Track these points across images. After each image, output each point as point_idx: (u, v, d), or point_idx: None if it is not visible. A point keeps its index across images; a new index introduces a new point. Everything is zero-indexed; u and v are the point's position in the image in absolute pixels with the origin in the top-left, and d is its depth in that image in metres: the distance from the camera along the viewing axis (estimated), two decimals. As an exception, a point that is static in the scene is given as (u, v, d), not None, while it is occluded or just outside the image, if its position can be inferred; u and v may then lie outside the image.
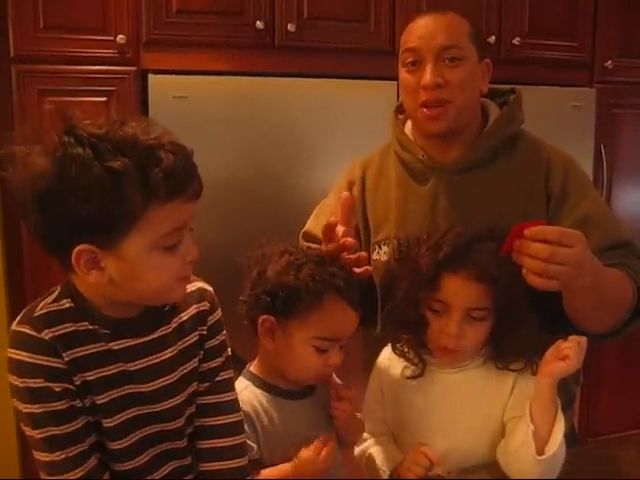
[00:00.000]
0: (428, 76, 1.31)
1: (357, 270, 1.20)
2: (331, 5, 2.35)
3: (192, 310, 1.05)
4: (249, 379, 1.19)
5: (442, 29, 1.34)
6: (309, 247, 1.40)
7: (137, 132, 0.88)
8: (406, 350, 1.27)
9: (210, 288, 1.09)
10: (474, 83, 1.37)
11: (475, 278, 1.16)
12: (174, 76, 2.22)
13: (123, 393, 0.98)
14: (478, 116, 1.43)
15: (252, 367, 1.21)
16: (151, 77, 2.21)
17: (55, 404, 0.92)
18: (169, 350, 1.02)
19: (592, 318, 1.25)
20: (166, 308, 1.03)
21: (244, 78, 2.29)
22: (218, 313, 1.09)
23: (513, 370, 1.22)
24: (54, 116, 0.88)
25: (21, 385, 0.91)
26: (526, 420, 1.11)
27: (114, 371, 0.97)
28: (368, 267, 1.23)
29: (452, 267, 1.17)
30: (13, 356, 0.92)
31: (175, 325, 1.03)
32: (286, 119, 2.32)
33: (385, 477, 1.22)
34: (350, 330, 1.17)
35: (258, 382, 1.18)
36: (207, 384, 1.08)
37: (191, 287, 1.05)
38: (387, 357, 1.32)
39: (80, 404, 0.95)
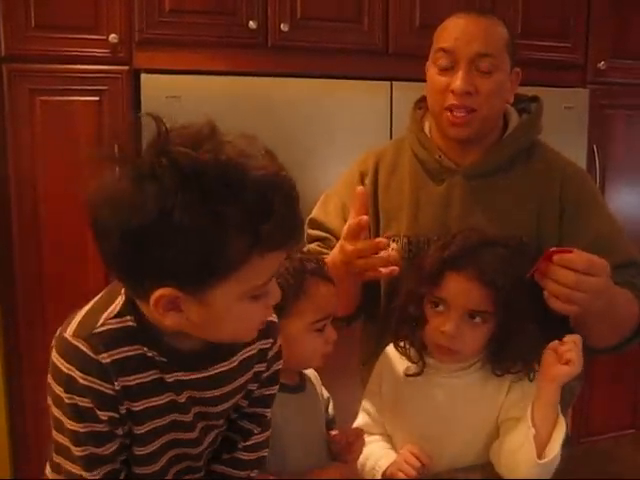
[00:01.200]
0: (459, 82, 1.30)
1: (384, 270, 1.19)
2: (324, 5, 2.35)
3: (256, 347, 0.99)
4: None
5: (480, 34, 1.31)
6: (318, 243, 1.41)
7: (244, 162, 0.77)
8: (407, 347, 1.27)
9: (276, 318, 1.03)
10: (502, 93, 1.36)
11: (477, 280, 1.15)
12: (167, 76, 2.21)
13: (165, 422, 0.93)
14: (499, 123, 1.42)
15: None
16: (144, 77, 2.20)
17: (98, 425, 0.87)
18: (223, 387, 0.96)
19: (598, 335, 1.26)
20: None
21: (237, 78, 2.28)
22: (277, 345, 1.04)
23: (512, 373, 1.21)
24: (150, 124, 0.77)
25: (67, 400, 0.86)
26: (527, 423, 1.10)
27: (162, 402, 0.91)
28: (395, 268, 1.19)
29: (456, 266, 1.16)
30: (64, 369, 0.85)
31: (236, 363, 0.96)
32: (279, 119, 2.31)
33: (378, 477, 1.22)
34: (335, 302, 1.19)
35: None
36: (260, 409, 1.06)
37: None
38: (389, 357, 1.32)
39: (121, 432, 0.90)
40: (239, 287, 0.81)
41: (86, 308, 0.90)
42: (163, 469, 0.98)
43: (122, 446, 0.91)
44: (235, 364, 0.96)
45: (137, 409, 0.89)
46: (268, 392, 1.06)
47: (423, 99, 1.47)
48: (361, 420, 1.33)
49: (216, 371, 0.94)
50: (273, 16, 2.29)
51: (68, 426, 0.87)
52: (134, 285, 0.83)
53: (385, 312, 1.40)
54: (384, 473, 1.21)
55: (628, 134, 2.83)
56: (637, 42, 2.78)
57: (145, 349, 0.88)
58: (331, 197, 1.50)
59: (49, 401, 0.90)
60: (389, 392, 1.29)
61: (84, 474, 0.89)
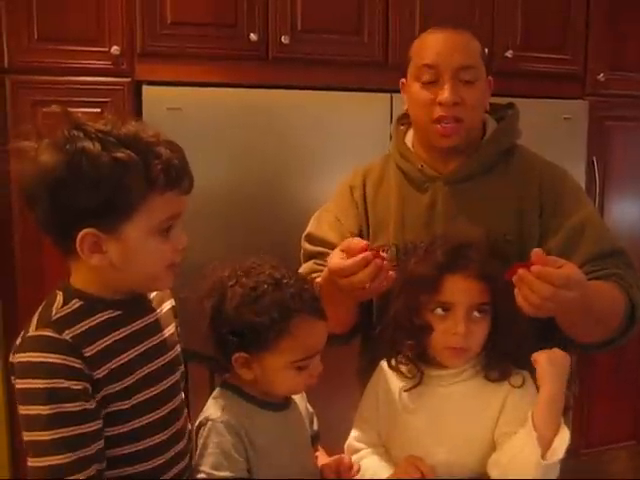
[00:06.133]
0: (447, 94, 1.35)
1: (372, 285, 1.17)
2: (325, 18, 2.37)
3: (169, 303, 1.19)
4: (232, 391, 1.17)
5: (460, 48, 1.38)
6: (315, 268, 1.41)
7: (137, 129, 1.00)
8: (403, 362, 1.27)
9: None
10: (484, 102, 1.43)
11: (476, 276, 1.19)
12: (168, 87, 2.23)
13: (142, 375, 1.06)
14: (480, 131, 1.46)
15: (230, 379, 1.20)
16: (145, 88, 2.21)
17: (72, 404, 0.96)
18: (162, 332, 1.13)
19: (582, 331, 1.28)
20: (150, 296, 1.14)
21: (238, 90, 2.30)
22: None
23: (502, 377, 1.22)
24: (60, 115, 1.01)
25: (42, 386, 0.95)
26: (528, 426, 1.11)
27: (132, 355, 1.05)
28: (391, 274, 1.19)
29: (452, 268, 1.20)
30: (36, 360, 0.96)
31: (161, 313, 1.15)
32: (280, 131, 2.33)
33: None
34: (323, 340, 1.15)
35: (241, 394, 1.16)
36: None
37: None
38: (385, 369, 1.32)
39: (93, 405, 0.98)
40: (145, 223, 0.99)
41: (35, 316, 1.03)
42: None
43: (98, 430, 0.99)
44: (161, 314, 1.14)
45: (115, 366, 1.01)
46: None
47: (404, 116, 1.53)
48: (357, 433, 1.33)
49: (154, 318, 1.12)
50: (274, 28, 2.31)
51: (43, 412, 0.95)
52: (64, 237, 0.98)
53: (378, 322, 1.40)
54: (384, 484, 1.21)
55: (626, 145, 2.84)
56: (636, 54, 2.80)
57: (99, 315, 1.02)
58: (324, 213, 1.53)
59: (24, 408, 0.97)
60: (386, 403, 1.29)
61: (58, 459, 0.95)
